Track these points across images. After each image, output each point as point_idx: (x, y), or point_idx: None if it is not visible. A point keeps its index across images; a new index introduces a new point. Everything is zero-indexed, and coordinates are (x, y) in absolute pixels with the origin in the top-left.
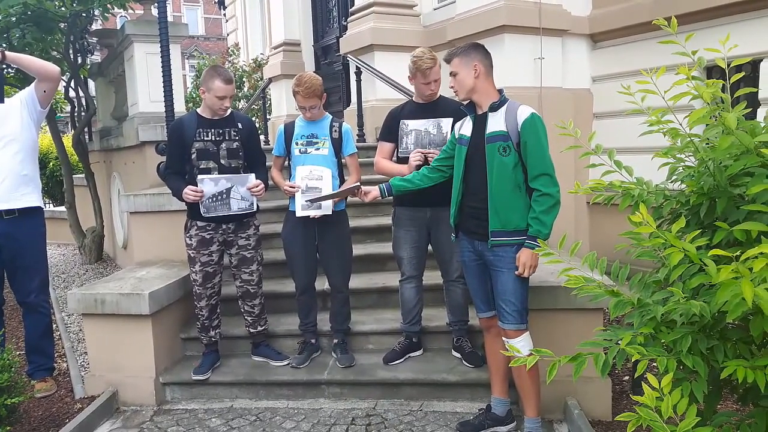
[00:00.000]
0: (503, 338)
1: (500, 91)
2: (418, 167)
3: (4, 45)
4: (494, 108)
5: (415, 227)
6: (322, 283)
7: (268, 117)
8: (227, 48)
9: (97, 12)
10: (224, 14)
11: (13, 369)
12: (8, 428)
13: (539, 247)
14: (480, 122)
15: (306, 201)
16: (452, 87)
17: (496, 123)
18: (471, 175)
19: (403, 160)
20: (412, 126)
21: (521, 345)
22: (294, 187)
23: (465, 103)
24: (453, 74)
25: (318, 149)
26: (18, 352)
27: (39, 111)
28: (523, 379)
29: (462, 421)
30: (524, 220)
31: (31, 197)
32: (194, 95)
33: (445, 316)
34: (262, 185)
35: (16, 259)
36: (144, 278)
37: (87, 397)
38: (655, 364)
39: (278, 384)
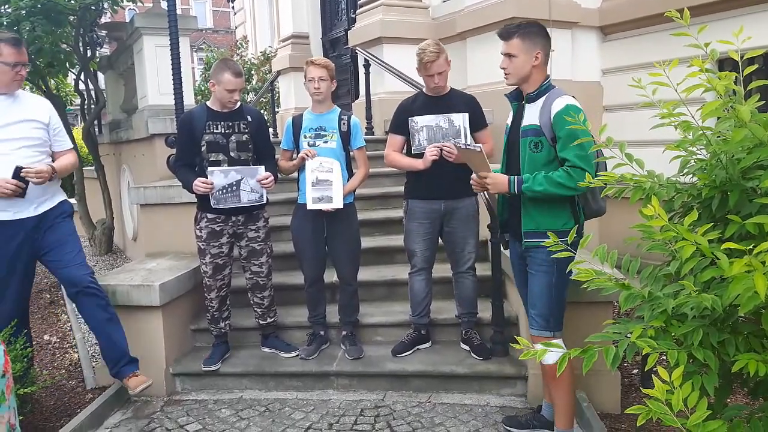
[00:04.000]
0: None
1: (547, 77)
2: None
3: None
4: (531, 99)
5: (429, 219)
6: (330, 276)
7: (276, 110)
8: (236, 41)
9: (106, 5)
10: (232, 7)
11: (26, 360)
12: (21, 417)
13: (516, 189)
14: (519, 113)
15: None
16: (504, 68)
17: (530, 116)
18: (509, 169)
19: (418, 158)
20: (422, 123)
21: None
22: (309, 153)
23: (511, 89)
24: (509, 55)
25: (326, 142)
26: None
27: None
28: (551, 385)
29: (509, 415)
30: (559, 220)
31: (57, 194)
32: (203, 88)
33: (454, 308)
34: (272, 177)
35: (58, 247)
36: (154, 270)
37: (98, 387)
38: (664, 357)
39: (287, 375)
